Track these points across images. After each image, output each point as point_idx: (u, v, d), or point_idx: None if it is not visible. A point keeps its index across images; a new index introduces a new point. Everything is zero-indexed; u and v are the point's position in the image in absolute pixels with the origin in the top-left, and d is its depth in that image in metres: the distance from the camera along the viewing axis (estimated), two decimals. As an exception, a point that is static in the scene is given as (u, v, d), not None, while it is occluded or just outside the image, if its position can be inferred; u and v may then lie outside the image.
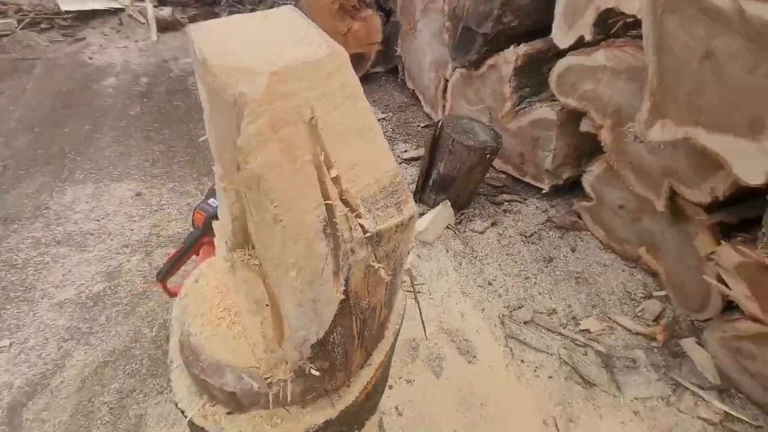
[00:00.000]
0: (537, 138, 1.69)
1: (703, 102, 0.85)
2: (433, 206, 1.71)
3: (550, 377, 1.17)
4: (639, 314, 1.37)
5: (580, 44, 1.37)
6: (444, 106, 2.15)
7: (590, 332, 1.30)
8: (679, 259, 1.36)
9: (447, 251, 1.57)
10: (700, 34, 0.82)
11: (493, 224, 1.69)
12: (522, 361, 1.21)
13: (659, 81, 0.94)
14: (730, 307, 1.20)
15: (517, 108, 1.72)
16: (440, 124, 1.57)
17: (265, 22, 0.37)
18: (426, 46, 2.16)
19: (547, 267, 1.54)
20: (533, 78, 1.70)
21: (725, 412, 1.09)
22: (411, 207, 0.40)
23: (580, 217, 1.72)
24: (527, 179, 1.85)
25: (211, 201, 0.84)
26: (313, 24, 0.36)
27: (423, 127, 2.24)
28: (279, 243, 0.35)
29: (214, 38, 0.34)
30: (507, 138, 1.75)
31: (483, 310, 1.36)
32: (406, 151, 2.07)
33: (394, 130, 2.20)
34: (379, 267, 0.40)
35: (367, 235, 0.37)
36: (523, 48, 1.61)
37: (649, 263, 1.48)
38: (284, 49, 0.33)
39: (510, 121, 1.76)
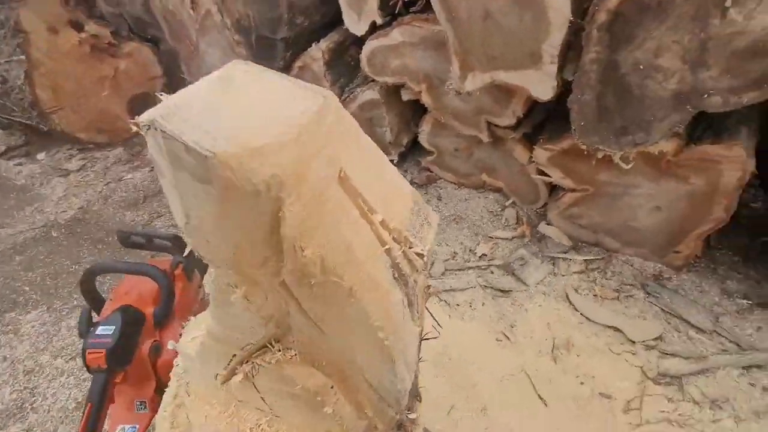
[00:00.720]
0: (370, 118, 1.83)
1: (495, 51, 1.09)
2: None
3: (483, 304, 1.37)
4: (505, 224, 1.71)
5: (374, 28, 1.52)
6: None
7: (486, 255, 1.56)
8: (510, 172, 1.73)
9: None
10: (477, 2, 1.03)
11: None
12: (457, 304, 1.38)
13: (459, 43, 1.16)
14: (554, 189, 1.61)
15: (341, 98, 1.81)
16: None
17: (231, 85, 0.30)
18: (220, 64, 2.01)
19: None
20: (343, 67, 1.81)
21: (583, 259, 1.50)
22: (434, 214, 0.41)
23: (430, 170, 1.98)
24: (376, 157, 2.00)
25: (101, 331, 0.64)
26: (277, 72, 0.32)
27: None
28: (355, 315, 0.31)
29: (200, 125, 0.26)
30: (344, 128, 1.84)
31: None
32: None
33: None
34: (429, 281, 0.40)
35: (424, 260, 0.37)
36: (324, 43, 1.69)
37: (493, 183, 1.83)
38: (280, 112, 0.28)
39: (340, 112, 1.85)
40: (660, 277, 1.43)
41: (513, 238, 1.62)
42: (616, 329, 1.29)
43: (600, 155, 1.01)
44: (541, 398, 1.13)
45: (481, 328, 1.31)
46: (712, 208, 1.24)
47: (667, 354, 1.21)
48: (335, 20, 1.70)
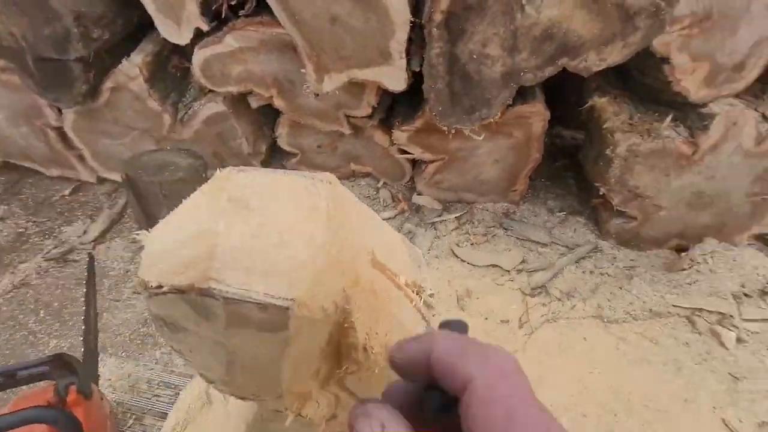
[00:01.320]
0: (220, 133, 1.66)
1: (347, 51, 1.13)
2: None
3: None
4: (384, 205, 1.84)
5: (201, 35, 1.36)
6: (80, 156, 1.67)
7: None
8: (374, 156, 1.84)
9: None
10: (321, 5, 1.03)
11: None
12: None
13: (310, 46, 1.15)
14: (415, 164, 1.80)
15: (179, 117, 1.58)
16: (126, 178, 1.27)
17: (240, 205, 0.25)
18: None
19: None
20: (169, 81, 1.57)
21: (454, 217, 1.76)
22: (416, 248, 0.43)
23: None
24: (236, 171, 1.85)
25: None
26: (271, 170, 0.27)
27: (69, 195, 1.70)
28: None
29: (252, 271, 0.21)
30: (189, 146, 1.62)
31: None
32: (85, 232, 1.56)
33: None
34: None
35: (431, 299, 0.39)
36: (139, 57, 1.42)
37: (361, 170, 1.92)
38: (305, 220, 0.25)
39: (181, 131, 1.62)
40: (508, 214, 1.80)
41: (396, 216, 1.77)
42: (494, 265, 1.58)
43: (452, 130, 1.17)
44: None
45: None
46: (531, 151, 1.60)
47: (531, 271, 1.56)
48: (140, 29, 1.45)
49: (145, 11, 1.32)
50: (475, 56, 0.98)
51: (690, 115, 1.29)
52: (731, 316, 1.37)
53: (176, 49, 1.51)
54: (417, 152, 1.66)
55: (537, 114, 1.42)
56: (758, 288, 1.44)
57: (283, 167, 1.93)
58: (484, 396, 0.19)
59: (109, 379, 0.84)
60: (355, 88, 1.42)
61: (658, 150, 1.30)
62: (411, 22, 0.96)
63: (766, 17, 1.11)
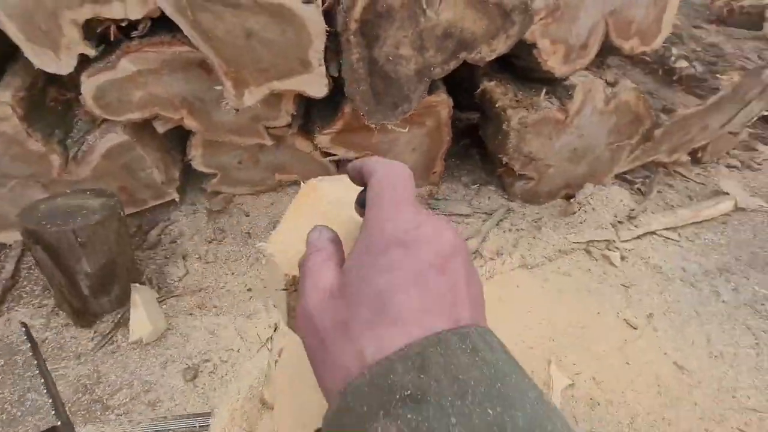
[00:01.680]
0: (126, 164, 1.51)
1: (266, 64, 1.14)
2: (112, 309, 1.34)
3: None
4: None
5: (87, 61, 1.22)
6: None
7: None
8: (298, 163, 1.86)
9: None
10: (235, 21, 1.02)
11: (187, 273, 1.56)
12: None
13: (226, 63, 1.13)
14: (340, 163, 1.87)
15: (71, 155, 1.40)
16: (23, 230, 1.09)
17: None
18: None
19: (246, 243, 1.70)
20: (50, 117, 1.37)
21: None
22: None
23: (219, 191, 1.86)
24: (150, 205, 1.69)
25: None
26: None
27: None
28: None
29: None
30: (93, 185, 1.45)
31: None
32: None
33: None
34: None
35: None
36: (8, 93, 1.21)
37: (288, 179, 1.92)
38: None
39: (76, 171, 1.43)
40: (432, 194, 1.98)
41: (332, 216, 1.82)
42: (432, 242, 1.75)
43: (378, 126, 1.28)
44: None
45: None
46: (442, 136, 1.79)
47: (466, 239, 1.76)
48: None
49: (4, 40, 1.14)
50: (390, 58, 1.09)
51: (558, 88, 1.59)
52: (613, 240, 1.74)
53: (52, 79, 1.33)
54: (342, 152, 1.73)
55: (443, 102, 1.60)
56: (626, 215, 1.85)
57: (204, 190, 1.83)
58: (378, 185, 0.26)
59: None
60: (273, 98, 1.42)
61: (541, 119, 1.58)
62: (327, 31, 1.02)
63: (596, 6, 1.43)
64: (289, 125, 1.63)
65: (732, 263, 1.70)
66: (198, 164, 1.71)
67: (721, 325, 1.48)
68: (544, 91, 1.59)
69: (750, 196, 1.96)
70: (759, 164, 2.15)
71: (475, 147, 2.23)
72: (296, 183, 1.96)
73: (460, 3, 1.04)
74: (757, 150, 2.20)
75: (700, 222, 1.86)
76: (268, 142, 1.64)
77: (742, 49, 1.75)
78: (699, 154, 2.08)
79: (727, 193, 1.93)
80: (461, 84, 1.93)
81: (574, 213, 1.83)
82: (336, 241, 0.27)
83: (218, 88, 1.24)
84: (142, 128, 1.48)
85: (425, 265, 0.22)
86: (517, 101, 1.59)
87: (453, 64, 1.13)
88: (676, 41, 1.81)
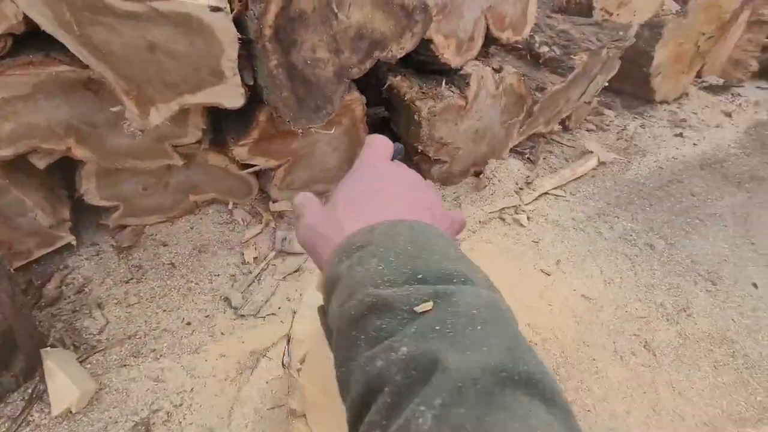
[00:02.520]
0: (1, 211, 1.25)
1: (174, 77, 1.05)
2: (18, 386, 1.12)
3: (298, 291, 1.51)
4: (246, 224, 1.78)
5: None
6: None
7: (257, 257, 1.63)
8: (214, 180, 1.74)
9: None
10: (134, 34, 0.91)
11: (107, 322, 1.36)
12: (280, 308, 1.45)
13: (125, 81, 1.00)
14: (259, 174, 1.80)
15: None
16: None
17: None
18: None
19: (171, 275, 1.55)
20: None
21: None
22: None
23: (125, 225, 1.65)
24: (37, 255, 1.42)
25: None
26: None
27: None
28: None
29: None
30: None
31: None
32: None
33: None
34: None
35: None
36: None
37: (204, 198, 1.79)
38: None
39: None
40: (358, 190, 2.03)
41: (263, 230, 1.75)
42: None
43: (304, 131, 1.28)
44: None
45: (306, 302, 1.47)
46: (359, 133, 1.84)
47: (396, 228, 1.85)
48: None
49: None
50: (309, 62, 1.10)
51: (455, 78, 1.77)
52: (519, 205, 2.02)
53: None
54: (261, 162, 1.67)
55: (356, 100, 1.65)
56: (524, 182, 2.14)
57: (107, 227, 1.60)
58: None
59: None
60: (178, 114, 1.31)
61: (446, 107, 1.73)
62: (239, 39, 0.99)
63: (475, 3, 1.62)
64: (199, 141, 1.52)
65: (605, 207, 2.10)
66: (93, 198, 1.49)
67: (607, 257, 1.83)
68: (444, 81, 1.75)
69: (607, 152, 2.43)
70: (607, 125, 2.66)
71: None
72: (214, 201, 1.83)
73: (368, 4, 1.10)
74: (605, 114, 2.72)
75: (578, 178, 2.25)
76: (178, 162, 1.51)
77: (584, 33, 2.14)
78: (566, 123, 2.50)
79: (592, 152, 2.36)
80: (364, 81, 2.01)
81: (485, 187, 2.06)
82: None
83: (114, 109, 1.11)
84: (15, 166, 1.23)
85: (386, 180, 0.37)
86: (423, 93, 1.72)
87: (369, 64, 1.19)
88: (537, 30, 2.14)
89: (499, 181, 2.10)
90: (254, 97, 1.23)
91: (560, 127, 2.50)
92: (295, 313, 1.39)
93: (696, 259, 1.85)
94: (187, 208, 1.75)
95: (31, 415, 1.09)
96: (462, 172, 2.09)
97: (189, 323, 1.38)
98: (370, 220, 0.30)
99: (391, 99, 1.93)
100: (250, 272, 1.57)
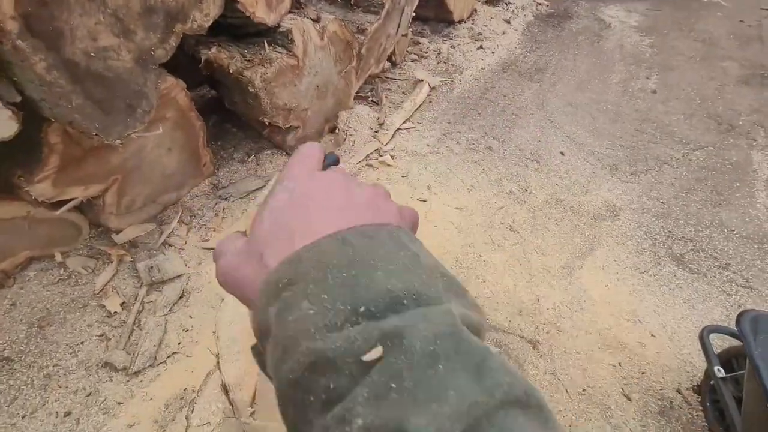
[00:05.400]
0: None
1: None
2: None
3: (180, 343, 1.32)
4: (90, 271, 1.44)
5: None
6: None
7: (123, 304, 1.36)
8: (18, 238, 1.33)
9: None
10: None
11: None
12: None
13: None
14: (82, 209, 1.44)
15: None
16: None
17: None
18: None
19: (12, 371, 1.20)
20: None
21: (178, 222, 1.62)
22: None
23: None
24: None
25: None
26: None
27: None
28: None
29: None
30: None
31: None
32: None
33: None
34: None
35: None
36: None
37: (15, 264, 1.37)
38: None
39: None
40: (218, 186, 1.81)
41: (117, 269, 1.44)
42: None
43: (123, 141, 1.06)
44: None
45: (206, 325, 1.32)
46: (192, 122, 1.60)
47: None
48: None
49: None
50: (93, 53, 0.87)
51: (276, 36, 1.64)
52: (380, 148, 2.10)
53: None
54: (79, 193, 1.33)
55: (175, 87, 1.41)
56: (375, 124, 2.22)
57: None
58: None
59: None
60: None
61: (279, 70, 1.62)
62: (-28, 43, 0.72)
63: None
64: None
65: (447, 127, 2.34)
66: None
67: (462, 167, 2.08)
68: (265, 43, 1.61)
69: (433, 77, 2.66)
70: (426, 52, 2.89)
71: (228, 122, 2.10)
72: (33, 261, 1.40)
73: (145, -32, 0.89)
74: (421, 42, 2.93)
75: (419, 107, 2.44)
76: (-52, 230, 1.09)
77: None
78: (393, 58, 2.62)
79: (422, 80, 2.56)
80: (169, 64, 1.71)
81: (345, 140, 2.07)
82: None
83: None
84: None
85: (313, 189, 0.28)
86: (248, 61, 1.56)
87: (173, 41, 1.00)
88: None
89: (355, 131, 2.13)
90: (31, 115, 0.93)
91: (389, 64, 2.61)
92: (218, 356, 1.23)
93: (522, 147, 2.26)
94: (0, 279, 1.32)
95: None
96: (317, 132, 2.05)
97: (68, 413, 1.11)
98: (295, 243, 0.24)
99: (213, 75, 1.70)
100: (124, 322, 1.31)
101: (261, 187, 1.83)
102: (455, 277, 0.25)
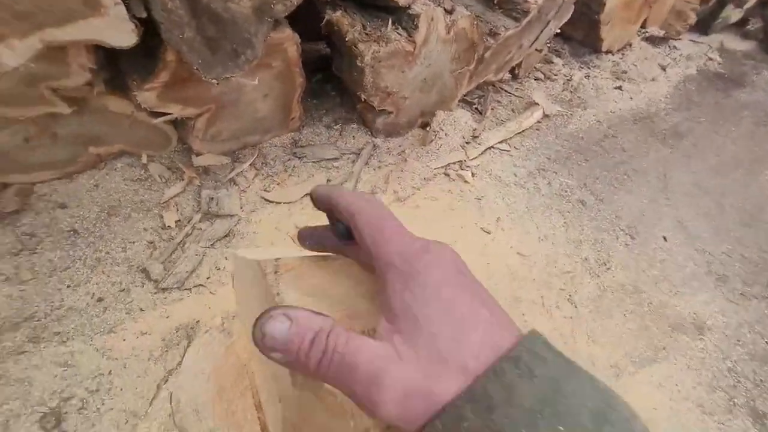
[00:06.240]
0: None
1: (29, 5, 0.79)
2: None
3: (226, 258, 1.39)
4: (163, 182, 1.56)
5: None
6: None
7: (180, 220, 1.45)
8: (120, 129, 1.47)
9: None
10: None
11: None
12: (207, 278, 1.33)
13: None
14: (178, 123, 1.55)
15: None
16: None
17: None
18: None
19: (75, 244, 1.35)
20: None
21: (249, 165, 1.68)
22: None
23: (7, 183, 1.37)
24: None
25: None
26: None
27: None
28: None
29: None
30: None
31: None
32: None
33: None
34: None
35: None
36: None
37: (109, 151, 1.52)
38: None
39: None
40: (296, 142, 1.85)
41: (185, 188, 1.54)
42: (308, 194, 1.67)
43: (220, 82, 1.08)
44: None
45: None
46: (294, 77, 1.62)
47: (341, 184, 1.74)
48: None
49: None
50: (217, -6, 0.87)
51: (403, 17, 1.57)
52: (464, 160, 1.98)
53: None
54: (177, 110, 1.42)
55: (288, 39, 1.42)
56: (471, 135, 2.09)
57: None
58: (364, 218, 0.30)
59: None
60: (54, 51, 1.02)
61: (392, 52, 1.56)
62: (117, -44, 0.75)
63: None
64: (90, 83, 1.23)
65: (545, 162, 2.13)
66: (-48, 154, 1.19)
67: (543, 214, 1.89)
68: (390, 21, 1.55)
69: (552, 104, 2.42)
70: (555, 75, 2.63)
71: (330, 82, 2.11)
72: (124, 154, 1.56)
73: None
74: (553, 62, 2.66)
75: (522, 131, 2.24)
76: (63, 109, 1.23)
77: (542, -28, 1.98)
78: (516, 71, 2.42)
79: (537, 104, 2.33)
80: (298, 11, 1.73)
81: (432, 141, 1.98)
82: (316, 315, 0.25)
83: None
84: None
85: (464, 299, 0.26)
86: (366, 34, 1.51)
87: (297, 1, 0.98)
88: (494, -37, 1.94)
89: (445, 134, 2.02)
90: (155, 32, 0.98)
91: (509, 75, 2.41)
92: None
93: (619, 214, 1.98)
94: (88, 162, 1.48)
95: None
96: (408, 123, 1.97)
97: (101, 299, 1.23)
98: (465, 373, 0.22)
99: (331, 37, 1.69)
100: (172, 238, 1.41)
101: (335, 158, 1.83)
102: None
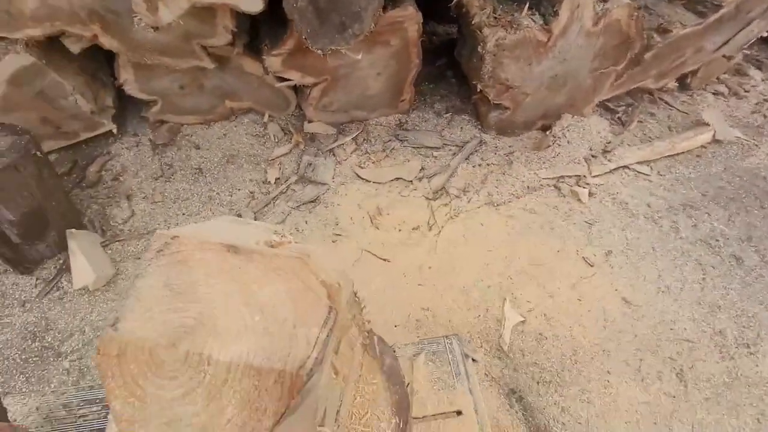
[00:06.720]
0: (41, 92, 1.30)
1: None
2: (52, 255, 1.27)
3: (306, 222, 1.48)
4: (277, 140, 1.72)
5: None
6: None
7: (279, 178, 1.59)
8: (251, 88, 1.65)
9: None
10: None
11: (133, 214, 1.45)
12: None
13: (125, -33, 0.89)
14: (297, 90, 1.67)
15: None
16: None
17: None
18: None
19: (197, 180, 1.57)
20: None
21: (351, 139, 1.73)
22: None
23: (164, 121, 1.67)
24: (83, 137, 1.52)
25: None
26: None
27: None
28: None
29: None
30: (4, 118, 1.26)
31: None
32: None
33: None
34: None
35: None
36: None
37: (240, 106, 1.73)
38: None
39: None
40: (401, 124, 1.83)
41: (291, 150, 1.68)
42: (398, 178, 1.66)
43: (326, 53, 1.10)
44: (384, 259, 1.43)
45: (313, 238, 1.44)
46: (411, 57, 1.58)
47: (430, 176, 1.67)
48: None
49: None
50: (334, -37, 0.87)
51: (543, 3, 1.38)
52: (584, 176, 1.69)
53: None
54: (296, 77, 1.53)
55: (410, 18, 1.38)
56: (601, 148, 1.77)
57: (146, 119, 1.64)
58: None
59: (15, 420, 0.75)
60: (204, 12, 1.18)
61: (520, 40, 1.39)
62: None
63: None
64: (232, 44, 1.40)
65: (697, 198, 1.69)
66: (132, 90, 1.50)
67: (674, 260, 1.51)
68: (526, 5, 1.37)
69: (729, 127, 1.88)
70: (747, 91, 2.03)
71: (452, 68, 2.01)
72: (251, 110, 1.76)
73: None
74: (749, 75, 2.06)
75: (676, 155, 1.80)
76: (209, 64, 1.42)
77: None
78: (688, 80, 1.94)
79: (708, 124, 1.84)
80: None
81: (549, 146, 1.74)
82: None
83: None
84: (52, 48, 1.24)
85: None
86: (495, 18, 1.37)
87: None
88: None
89: (568, 142, 1.75)
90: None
91: (677, 84, 1.95)
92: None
93: (794, 289, 1.46)
94: (223, 113, 1.72)
95: (60, 283, 1.25)
96: (526, 123, 1.77)
97: (203, 231, 1.44)
98: None
99: (459, 19, 1.59)
100: (268, 193, 1.55)
101: (436, 147, 1.76)
102: None
